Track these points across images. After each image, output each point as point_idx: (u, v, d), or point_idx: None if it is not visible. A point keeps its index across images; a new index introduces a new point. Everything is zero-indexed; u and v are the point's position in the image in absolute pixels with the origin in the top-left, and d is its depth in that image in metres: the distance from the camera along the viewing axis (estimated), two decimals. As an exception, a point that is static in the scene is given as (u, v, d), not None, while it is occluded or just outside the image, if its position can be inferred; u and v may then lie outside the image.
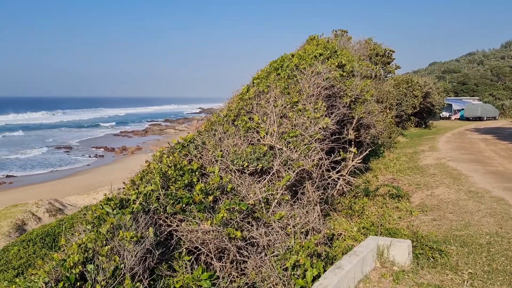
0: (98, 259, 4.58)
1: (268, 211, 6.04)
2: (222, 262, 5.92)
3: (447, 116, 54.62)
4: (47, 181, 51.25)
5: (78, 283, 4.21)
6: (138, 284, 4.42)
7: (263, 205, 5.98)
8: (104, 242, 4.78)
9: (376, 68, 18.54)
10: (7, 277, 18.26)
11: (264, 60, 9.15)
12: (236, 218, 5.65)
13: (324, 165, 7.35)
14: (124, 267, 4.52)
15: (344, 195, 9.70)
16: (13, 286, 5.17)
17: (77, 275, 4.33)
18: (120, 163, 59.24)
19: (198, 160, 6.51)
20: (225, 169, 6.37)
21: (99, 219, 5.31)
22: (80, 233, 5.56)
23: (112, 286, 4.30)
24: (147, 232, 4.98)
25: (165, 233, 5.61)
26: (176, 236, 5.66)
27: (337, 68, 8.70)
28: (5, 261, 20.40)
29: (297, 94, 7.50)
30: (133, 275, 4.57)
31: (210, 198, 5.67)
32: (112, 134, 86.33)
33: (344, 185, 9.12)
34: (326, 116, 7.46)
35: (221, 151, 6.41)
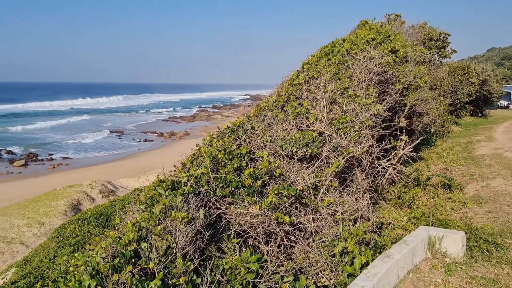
0: (151, 237, 4.75)
1: (316, 197, 6.02)
2: (270, 246, 5.97)
3: (505, 105, 51.91)
4: (100, 163, 53.60)
5: (133, 260, 4.38)
6: (189, 263, 4.54)
7: (311, 191, 5.96)
8: (157, 221, 4.94)
9: (430, 54, 17.85)
10: (64, 253, 19.32)
11: (315, 45, 9.07)
12: (284, 203, 5.66)
13: (374, 152, 7.20)
14: (176, 246, 4.66)
15: (393, 184, 9.49)
16: (72, 260, 5.47)
17: (132, 252, 4.51)
18: (168, 148, 60.89)
19: (247, 145, 6.56)
20: (273, 154, 6.38)
21: (152, 200, 5.50)
22: (133, 213, 5.79)
23: (165, 264, 4.45)
24: (198, 214, 5.09)
25: (215, 215, 5.72)
26: (225, 219, 5.76)
27: (390, 54, 8.45)
28: (62, 238, 21.60)
29: (348, 79, 7.37)
30: (184, 254, 4.71)
31: (259, 182, 5.70)
32: (161, 120, 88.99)
33: (394, 174, 8.91)
34: (377, 102, 7.28)
35: (270, 136, 6.43)
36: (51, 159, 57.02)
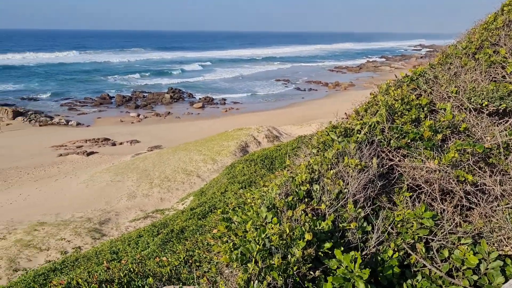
0: (323, 181, 4.83)
1: (507, 158, 5.33)
2: (444, 205, 5.57)
3: None
4: (266, 110, 56.70)
5: (306, 199, 4.54)
6: (359, 210, 4.52)
7: (501, 150, 5.28)
8: (329, 166, 5.00)
9: None
10: (233, 189, 21.26)
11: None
12: (467, 160, 5.15)
13: None
14: (348, 192, 4.66)
15: None
16: (248, 194, 5.93)
17: (304, 192, 4.67)
18: (332, 98, 60.99)
19: (428, 95, 6.08)
20: (458, 107, 5.79)
21: (324, 145, 5.56)
22: (305, 156, 5.95)
23: (336, 208, 4.50)
24: (371, 162, 4.98)
25: (386, 166, 5.52)
26: (397, 171, 5.52)
27: None
28: (232, 175, 23.76)
29: (562, 23, 6.15)
30: (355, 201, 4.69)
31: (439, 136, 5.28)
32: (327, 70, 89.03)
33: None
34: None
35: (455, 87, 5.82)
36: (224, 103, 62.41)
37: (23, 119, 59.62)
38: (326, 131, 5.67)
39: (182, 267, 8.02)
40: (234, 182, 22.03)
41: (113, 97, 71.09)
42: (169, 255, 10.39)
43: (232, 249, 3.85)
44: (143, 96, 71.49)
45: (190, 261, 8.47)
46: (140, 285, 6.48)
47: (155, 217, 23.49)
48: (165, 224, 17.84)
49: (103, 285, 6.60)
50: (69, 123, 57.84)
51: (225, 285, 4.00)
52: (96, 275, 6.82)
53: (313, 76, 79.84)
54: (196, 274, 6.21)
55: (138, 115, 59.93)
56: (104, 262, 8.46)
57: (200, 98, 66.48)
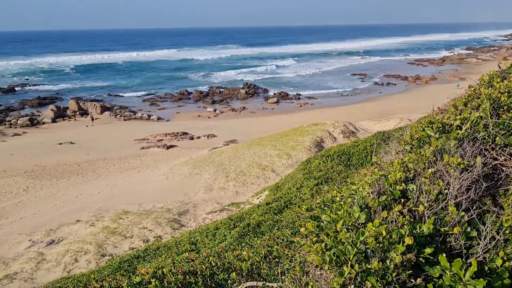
0: (419, 180, 4.48)
1: None
2: (558, 211, 4.97)
3: None
4: (342, 105, 55.55)
5: (402, 200, 4.23)
6: (462, 213, 4.12)
7: None
8: (426, 164, 4.63)
9: None
10: (309, 185, 20.95)
11: None
12: None
13: None
14: (448, 193, 4.27)
15: None
16: (334, 191, 5.68)
17: (400, 192, 4.35)
18: (412, 92, 58.25)
19: (540, 87, 5.44)
20: None
21: (419, 141, 5.18)
22: (397, 153, 5.59)
23: (435, 210, 4.14)
24: (474, 162, 4.54)
25: (490, 166, 5.03)
26: (503, 171, 5.00)
27: None
28: (308, 171, 23.44)
29: None
30: (456, 203, 4.29)
31: (555, 133, 4.69)
32: (406, 63, 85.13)
33: None
34: None
35: None
36: (299, 98, 62.08)
37: (110, 114, 63.73)
38: (421, 127, 5.28)
39: (262, 262, 7.96)
40: (310, 177, 21.71)
41: (191, 92, 73.60)
42: (246, 248, 10.42)
43: (324, 250, 3.66)
44: (219, 92, 73.26)
45: (270, 257, 8.39)
46: (223, 278, 6.51)
47: (230, 210, 23.87)
48: (241, 217, 17.98)
49: (187, 276, 6.69)
50: (151, 118, 60.81)
51: (316, 286, 3.82)
52: (181, 266, 6.95)
53: (392, 69, 76.83)
54: (278, 271, 6.10)
55: (215, 110, 61.49)
56: (186, 253, 8.66)
57: (274, 93, 66.66)
